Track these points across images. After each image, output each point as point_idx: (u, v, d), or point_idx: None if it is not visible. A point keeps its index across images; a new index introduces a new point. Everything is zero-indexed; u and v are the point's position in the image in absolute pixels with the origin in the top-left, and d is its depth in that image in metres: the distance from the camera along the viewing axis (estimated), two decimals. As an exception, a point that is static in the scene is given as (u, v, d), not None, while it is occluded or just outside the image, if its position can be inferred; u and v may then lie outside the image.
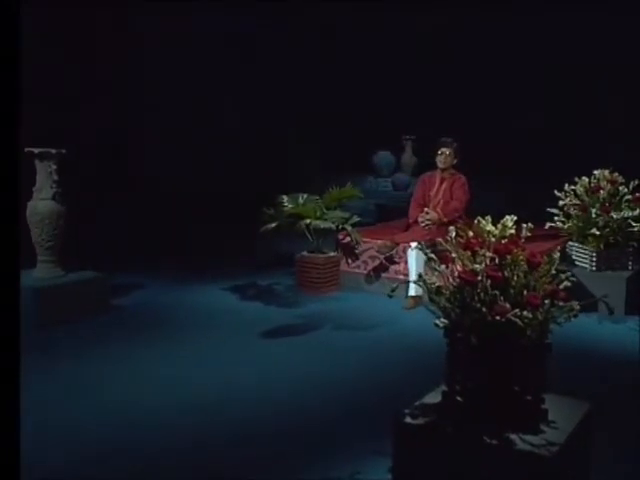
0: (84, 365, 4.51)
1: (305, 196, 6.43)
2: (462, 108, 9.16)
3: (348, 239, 6.42)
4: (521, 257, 2.76)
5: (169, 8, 8.53)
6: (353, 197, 6.59)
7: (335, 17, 10.21)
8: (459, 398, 2.93)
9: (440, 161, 6.22)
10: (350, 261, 6.49)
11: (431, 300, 2.93)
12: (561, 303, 2.69)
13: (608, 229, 5.71)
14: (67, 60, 7.88)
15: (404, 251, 6.10)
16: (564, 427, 2.74)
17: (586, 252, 5.82)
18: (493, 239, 2.85)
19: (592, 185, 5.89)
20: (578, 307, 2.67)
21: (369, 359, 4.71)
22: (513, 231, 2.88)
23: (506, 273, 2.74)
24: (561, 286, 2.82)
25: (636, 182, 5.82)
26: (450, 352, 2.96)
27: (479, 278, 2.70)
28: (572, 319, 2.76)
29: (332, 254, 6.44)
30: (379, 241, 6.26)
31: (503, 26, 8.59)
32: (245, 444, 3.51)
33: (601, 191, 5.78)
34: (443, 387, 3.09)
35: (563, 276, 2.74)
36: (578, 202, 5.89)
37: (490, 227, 2.85)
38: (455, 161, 6.23)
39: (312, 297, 6.14)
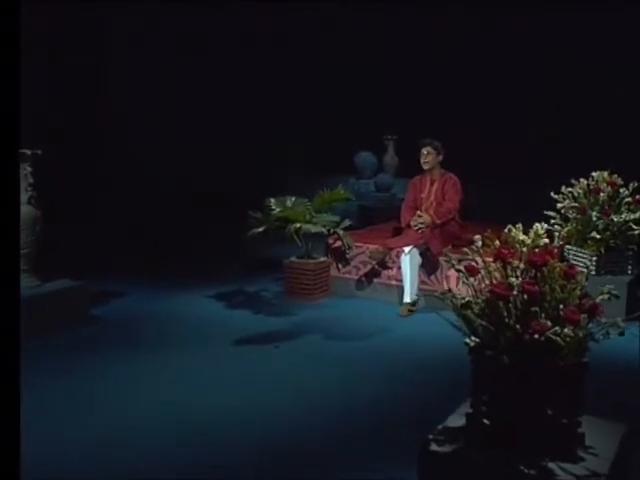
0: (62, 380, 4.19)
1: (293, 199, 6.16)
2: (448, 108, 8.97)
3: (338, 244, 6.17)
4: (558, 268, 2.54)
5: (158, 8, 8.24)
6: (345, 200, 6.35)
7: (317, 17, 9.97)
8: (486, 421, 2.70)
9: (423, 162, 5.99)
10: (340, 266, 6.24)
11: (459, 316, 2.70)
12: (604, 320, 2.49)
13: (608, 232, 5.54)
14: (48, 59, 7.52)
15: (397, 256, 5.87)
16: (605, 454, 2.53)
17: (585, 256, 5.64)
18: (524, 249, 2.63)
19: (591, 187, 5.71)
20: (623, 324, 2.46)
21: (367, 371, 4.47)
22: (547, 240, 2.65)
23: (542, 287, 2.52)
24: (598, 299, 2.61)
25: (635, 184, 5.66)
26: (476, 371, 2.73)
27: (514, 292, 2.47)
28: (611, 336, 2.55)
29: (322, 259, 6.18)
30: (371, 246, 6.02)
31: (493, 24, 8.43)
32: (240, 465, 3.28)
33: (601, 193, 5.61)
34: (465, 409, 2.86)
35: (605, 289, 2.52)
36: (576, 204, 5.71)
37: (522, 236, 2.62)
38: (440, 158, 5.99)
39: (302, 304, 5.87)
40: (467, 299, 2.57)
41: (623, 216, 5.49)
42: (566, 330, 2.39)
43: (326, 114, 10.21)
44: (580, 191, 5.75)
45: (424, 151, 5.89)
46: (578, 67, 7.72)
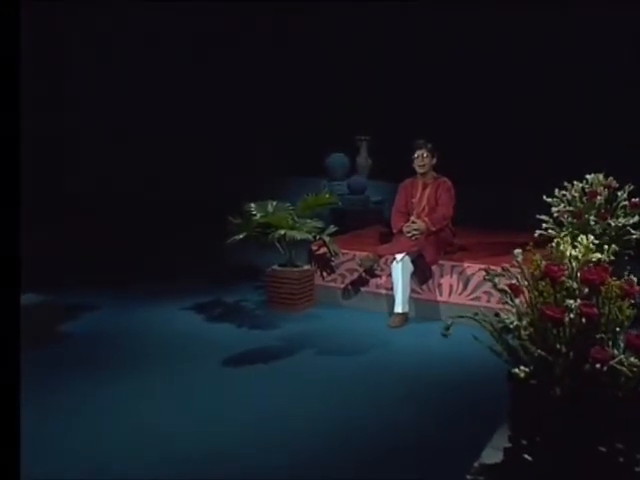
0: (28, 405, 3.72)
1: (275, 203, 5.81)
2: (425, 108, 8.71)
3: (323, 250, 5.84)
4: (615, 287, 2.26)
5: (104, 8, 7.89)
6: (330, 205, 6.03)
7: (285, 15, 9.65)
8: (529, 457, 2.41)
9: (418, 165, 5.70)
10: (325, 274, 5.90)
11: (498, 340, 2.40)
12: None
13: (606, 237, 5.33)
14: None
15: (386, 263, 5.57)
16: (669, 495, 2.26)
17: (582, 262, 5.43)
18: (574, 265, 2.34)
19: (586, 190, 5.50)
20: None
21: (366, 391, 4.13)
22: (599, 254, 2.37)
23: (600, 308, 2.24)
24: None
25: (631, 187, 5.47)
26: (517, 402, 2.44)
27: (571, 316, 2.18)
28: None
29: (306, 267, 5.84)
30: (359, 253, 5.71)
31: (478, 22, 8.19)
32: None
33: (598, 197, 5.40)
34: (499, 442, 2.58)
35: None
36: (572, 209, 5.49)
37: (573, 251, 2.34)
38: (434, 161, 5.74)
39: (286, 315, 5.52)
40: (515, 323, 2.26)
41: (622, 220, 5.30)
42: (633, 359, 2.12)
43: (297, 114, 9.88)
44: (575, 194, 5.53)
45: (419, 154, 5.60)
46: (569, 68, 7.54)
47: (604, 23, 7.13)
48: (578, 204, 5.50)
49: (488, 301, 5.23)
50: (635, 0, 6.72)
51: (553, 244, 2.45)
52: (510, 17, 7.74)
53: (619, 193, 5.42)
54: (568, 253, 2.33)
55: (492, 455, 2.54)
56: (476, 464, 2.50)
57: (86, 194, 7.70)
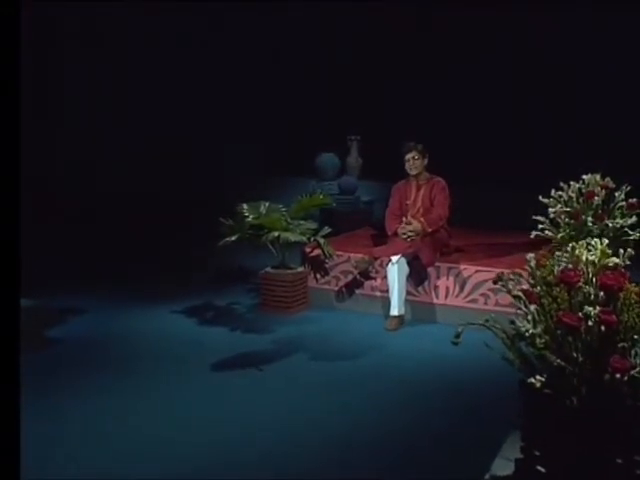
0: (22, 410, 3.62)
1: (267, 205, 5.70)
2: (415, 107, 8.66)
3: (316, 252, 5.74)
4: (634, 293, 2.18)
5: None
6: (324, 205, 5.94)
7: (274, 13, 9.56)
8: (542, 469, 2.33)
9: (409, 167, 5.60)
10: (319, 277, 5.80)
11: (509, 348, 2.32)
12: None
13: (604, 238, 5.26)
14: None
15: (381, 265, 5.48)
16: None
17: (578, 263, 5.36)
18: (590, 270, 2.26)
19: (583, 191, 5.43)
20: None
21: (362, 394, 4.04)
22: (617, 259, 2.29)
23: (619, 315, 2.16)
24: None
25: (628, 187, 5.42)
26: (530, 412, 2.35)
27: (589, 323, 2.10)
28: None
29: (300, 269, 5.74)
30: (353, 255, 5.62)
31: (468, 21, 8.13)
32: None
33: (595, 197, 5.34)
34: (509, 452, 2.50)
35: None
36: (569, 209, 5.42)
37: (590, 256, 2.25)
38: (426, 162, 5.65)
39: (280, 318, 5.42)
40: (530, 330, 2.18)
41: (620, 221, 5.24)
42: (654, 368, 2.04)
43: (286, 114, 9.79)
44: (572, 195, 5.46)
45: (410, 156, 5.51)
46: (567, 68, 7.50)
47: (604, 23, 7.09)
48: (575, 205, 5.43)
49: (485, 303, 5.16)
50: (635, 0, 6.68)
51: (568, 248, 2.36)
52: (508, 17, 7.69)
53: (616, 194, 5.36)
54: (584, 258, 2.24)
55: (503, 466, 2.47)
56: (487, 476, 2.42)
57: (84, 195, 7.58)
